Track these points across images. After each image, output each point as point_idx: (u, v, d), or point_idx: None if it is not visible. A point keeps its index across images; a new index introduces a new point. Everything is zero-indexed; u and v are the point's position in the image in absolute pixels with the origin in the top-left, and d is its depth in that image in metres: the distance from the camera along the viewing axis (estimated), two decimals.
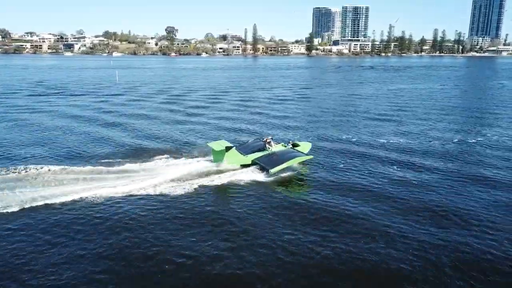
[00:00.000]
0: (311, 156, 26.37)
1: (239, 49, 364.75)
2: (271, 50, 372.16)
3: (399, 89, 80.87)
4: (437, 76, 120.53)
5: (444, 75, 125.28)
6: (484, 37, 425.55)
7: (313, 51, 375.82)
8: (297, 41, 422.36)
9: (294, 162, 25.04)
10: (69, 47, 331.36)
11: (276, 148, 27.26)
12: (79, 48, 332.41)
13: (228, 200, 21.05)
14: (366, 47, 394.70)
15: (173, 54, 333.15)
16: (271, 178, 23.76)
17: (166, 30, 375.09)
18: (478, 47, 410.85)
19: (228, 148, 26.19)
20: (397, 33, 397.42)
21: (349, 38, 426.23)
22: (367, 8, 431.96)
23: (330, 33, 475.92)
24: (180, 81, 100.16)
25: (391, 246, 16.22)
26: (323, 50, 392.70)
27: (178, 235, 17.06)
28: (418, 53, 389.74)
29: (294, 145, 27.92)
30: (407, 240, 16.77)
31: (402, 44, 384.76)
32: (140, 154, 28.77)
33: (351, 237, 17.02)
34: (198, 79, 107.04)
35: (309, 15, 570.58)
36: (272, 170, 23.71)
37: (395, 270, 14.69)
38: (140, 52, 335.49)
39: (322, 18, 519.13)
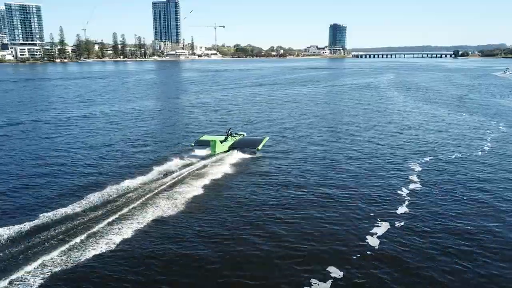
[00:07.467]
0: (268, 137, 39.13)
1: None
2: None
3: None
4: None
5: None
6: (165, 41, 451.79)
7: None
8: None
9: (265, 141, 36.65)
10: None
11: (235, 137, 37.71)
12: None
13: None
14: (37, 52, 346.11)
15: None
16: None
17: None
18: (160, 51, 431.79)
19: (223, 140, 35.47)
20: (72, 38, 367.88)
21: (22, 41, 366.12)
22: (38, 8, 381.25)
23: (1, 35, 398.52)
24: None
25: None
26: None
27: None
28: (100, 58, 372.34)
29: (240, 135, 39.14)
30: None
31: (80, 49, 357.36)
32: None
33: None
34: None
35: None
36: (259, 147, 35.22)
37: None
38: None
39: None
